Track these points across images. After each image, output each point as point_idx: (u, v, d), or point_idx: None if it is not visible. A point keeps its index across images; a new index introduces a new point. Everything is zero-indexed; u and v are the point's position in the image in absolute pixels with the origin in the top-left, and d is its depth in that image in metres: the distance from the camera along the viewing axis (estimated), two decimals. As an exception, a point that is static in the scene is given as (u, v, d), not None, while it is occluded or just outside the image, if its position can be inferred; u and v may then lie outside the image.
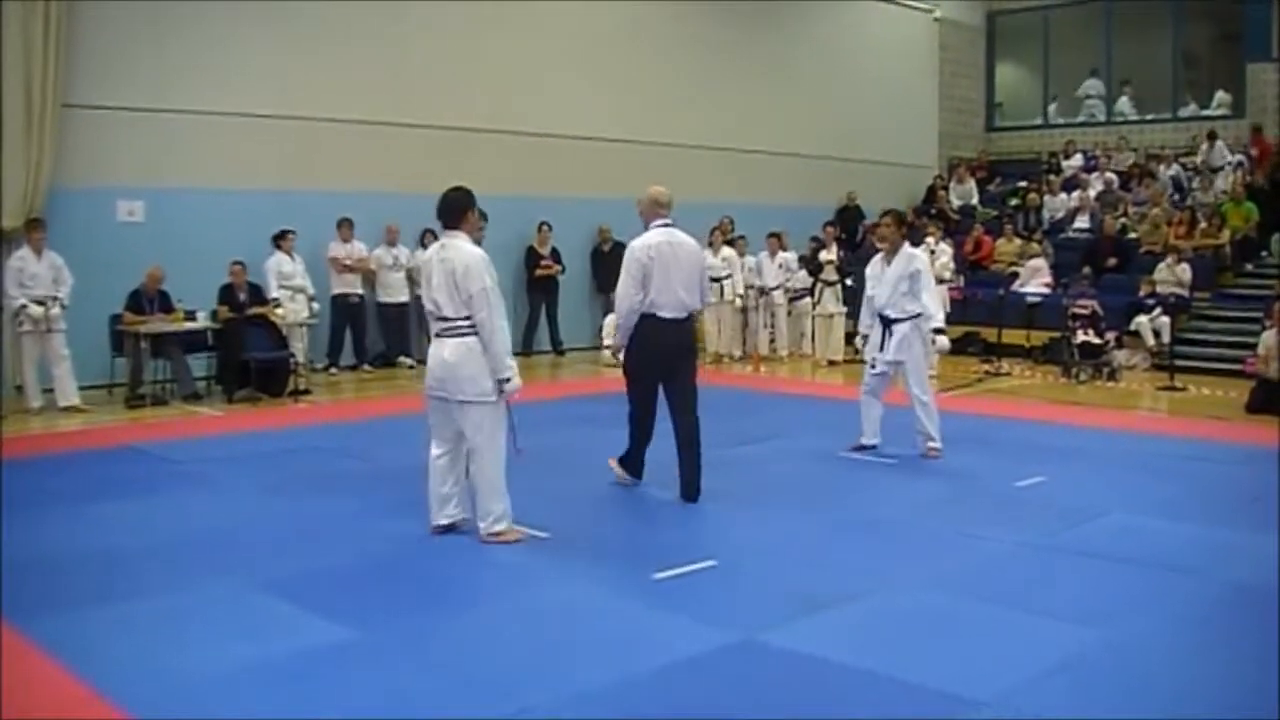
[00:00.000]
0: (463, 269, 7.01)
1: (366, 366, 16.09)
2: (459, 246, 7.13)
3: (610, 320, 17.32)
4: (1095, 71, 26.03)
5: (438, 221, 7.35)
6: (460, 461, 7.35)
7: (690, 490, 8.40)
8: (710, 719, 4.72)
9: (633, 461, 8.82)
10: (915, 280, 9.82)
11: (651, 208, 8.48)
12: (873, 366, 10.07)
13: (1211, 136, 22.09)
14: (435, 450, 7.37)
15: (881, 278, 9.98)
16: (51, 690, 4.98)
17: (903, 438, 10.02)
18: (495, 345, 7.08)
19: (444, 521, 7.37)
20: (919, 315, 9.83)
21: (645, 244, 8.29)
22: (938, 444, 9.93)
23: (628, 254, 8.35)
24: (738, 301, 17.83)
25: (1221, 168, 21.40)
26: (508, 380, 7.14)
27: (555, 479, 8.95)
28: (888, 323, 9.91)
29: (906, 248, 10.04)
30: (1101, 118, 25.96)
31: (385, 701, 4.82)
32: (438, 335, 7.23)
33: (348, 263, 15.69)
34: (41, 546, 7.16)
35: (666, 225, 8.43)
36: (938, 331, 9.96)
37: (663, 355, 8.41)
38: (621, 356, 8.60)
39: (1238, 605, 6.15)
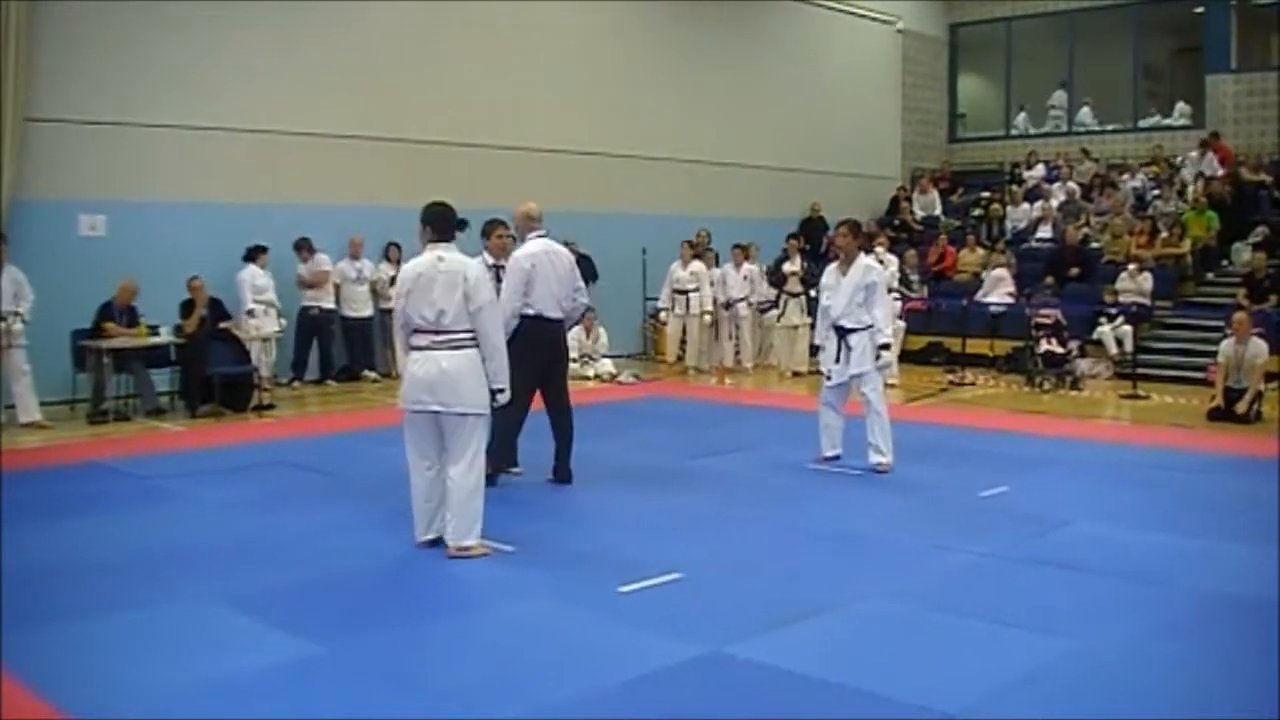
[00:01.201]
0: (474, 279, 7.09)
1: (331, 381, 16.01)
2: (460, 258, 7.19)
3: (574, 333, 17.35)
4: (1064, 84, 26.21)
5: (426, 229, 7.28)
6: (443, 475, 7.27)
7: (566, 474, 9.29)
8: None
9: (508, 451, 9.23)
10: (871, 291, 9.77)
11: (525, 222, 9.36)
12: (828, 378, 10.05)
13: (1203, 145, 22.07)
14: (421, 465, 7.27)
15: (837, 288, 9.93)
16: (11, 707, 4.92)
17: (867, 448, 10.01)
18: (501, 356, 7.21)
19: (431, 536, 7.30)
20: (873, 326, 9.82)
21: (527, 254, 9.10)
22: (888, 459, 9.78)
23: (511, 263, 9.10)
24: (706, 318, 17.82)
25: (1215, 175, 21.36)
26: (502, 390, 7.25)
27: (520, 491, 8.95)
28: (843, 333, 9.83)
29: (863, 258, 9.97)
30: (1064, 128, 26.14)
31: (347, 716, 4.80)
32: (427, 348, 7.10)
33: (311, 279, 15.62)
34: (4, 563, 7.08)
35: (542, 236, 9.29)
36: (883, 348, 9.84)
37: (545, 352, 9.12)
38: None
39: (1202, 614, 6.17)
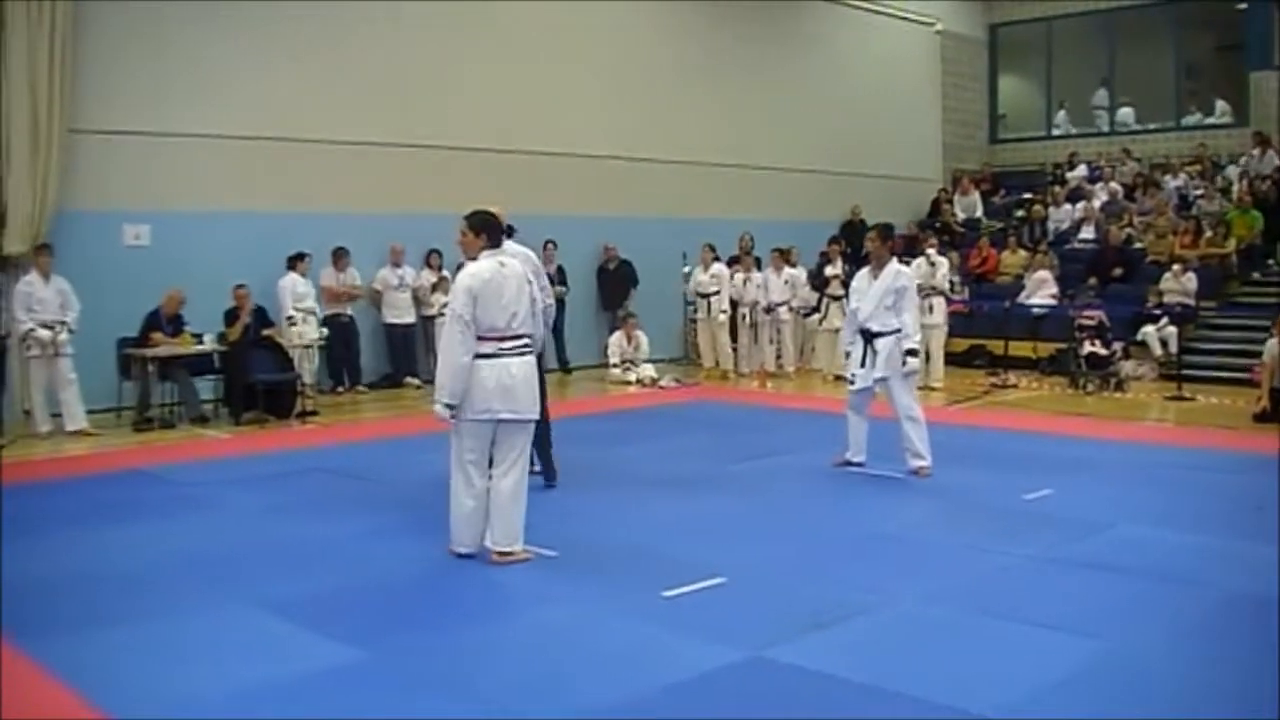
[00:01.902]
0: (533, 281, 7.29)
1: (361, 387, 16.03)
2: (517, 263, 7.27)
3: (615, 339, 17.39)
4: (1105, 82, 26.06)
5: (481, 236, 7.27)
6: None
7: (548, 473, 9.34)
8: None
9: None
10: (900, 296, 9.71)
11: None
12: (852, 383, 9.98)
13: (1264, 143, 21.70)
14: (474, 476, 7.18)
15: (866, 291, 9.88)
16: (57, 712, 4.99)
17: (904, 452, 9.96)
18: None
19: (470, 549, 7.25)
20: (900, 330, 9.75)
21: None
22: (927, 462, 9.71)
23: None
24: (721, 317, 17.77)
25: (1264, 175, 21.04)
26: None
27: (563, 497, 8.96)
28: (870, 337, 9.76)
29: (893, 263, 9.91)
30: (1106, 128, 25.98)
31: (389, 721, 4.84)
32: (494, 355, 7.03)
33: (339, 291, 15.71)
34: (49, 569, 7.19)
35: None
36: (910, 353, 9.71)
37: None
38: None
39: (1245, 616, 6.12)
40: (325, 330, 14.95)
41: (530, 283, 7.25)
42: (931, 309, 15.70)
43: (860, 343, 9.86)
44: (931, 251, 16.58)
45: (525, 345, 7.15)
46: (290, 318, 14.29)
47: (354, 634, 5.86)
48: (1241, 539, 7.63)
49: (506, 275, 7.11)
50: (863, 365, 9.83)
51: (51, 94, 13.23)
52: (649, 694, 5.08)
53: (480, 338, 7.02)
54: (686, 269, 18.41)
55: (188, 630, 6.02)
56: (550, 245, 17.13)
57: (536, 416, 7.22)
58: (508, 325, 7.05)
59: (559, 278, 17.36)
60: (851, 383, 9.96)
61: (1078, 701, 4.96)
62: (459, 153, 16.83)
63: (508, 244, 8.87)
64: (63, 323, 12.51)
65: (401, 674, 5.35)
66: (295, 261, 14.82)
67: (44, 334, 12.35)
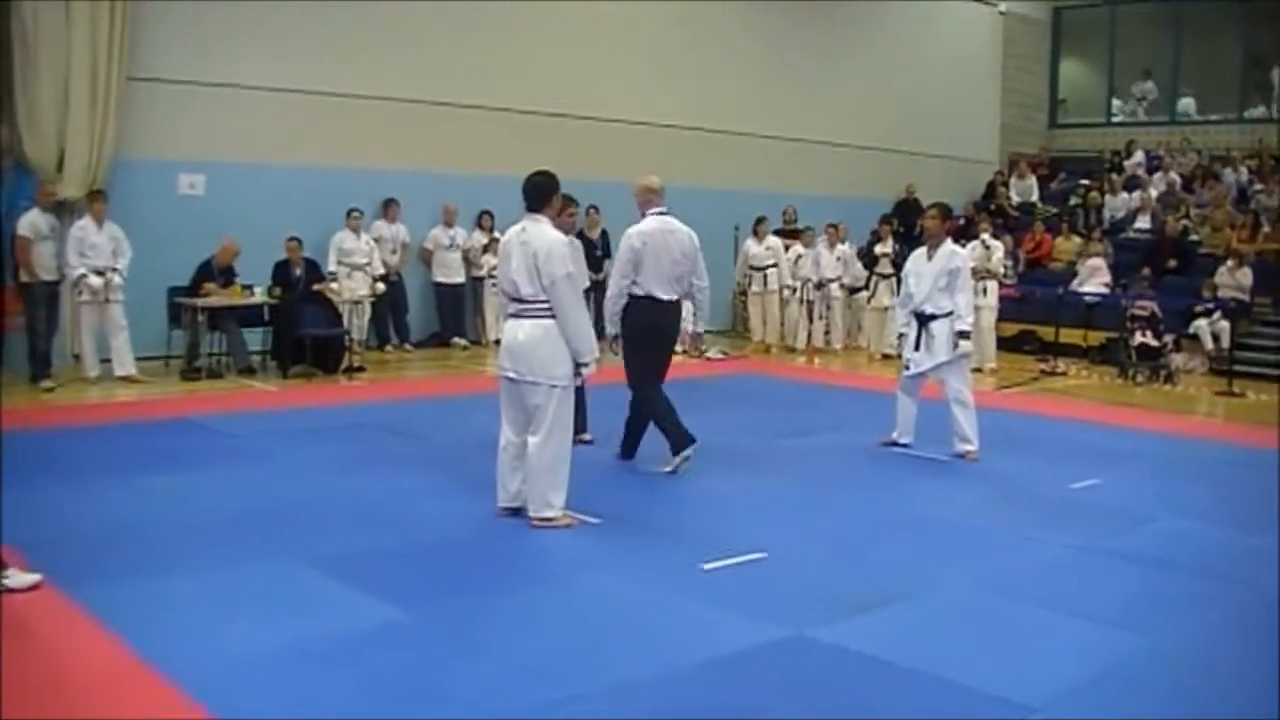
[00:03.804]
0: (545, 253, 7.03)
1: (408, 346, 16.07)
2: (542, 230, 7.17)
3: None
4: (1148, 73, 25.83)
5: (523, 203, 7.34)
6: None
7: (627, 451, 9.20)
8: (757, 716, 4.70)
9: (678, 434, 8.86)
10: (955, 277, 9.60)
11: (646, 195, 9.03)
12: (907, 367, 9.90)
13: None
14: (508, 432, 7.34)
15: (922, 273, 9.78)
16: (100, 657, 5.03)
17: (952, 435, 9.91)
18: (580, 331, 7.16)
19: (511, 504, 7.36)
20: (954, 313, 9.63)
21: (640, 231, 8.82)
22: (974, 447, 9.64)
23: (623, 240, 8.87)
24: (786, 293, 17.76)
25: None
26: (587, 364, 7.24)
27: (607, 464, 8.96)
28: (925, 320, 9.67)
29: (948, 244, 9.76)
30: (1147, 116, 25.71)
31: (429, 683, 4.83)
32: (513, 316, 7.22)
33: (391, 246, 15.80)
34: (95, 515, 7.24)
35: (661, 213, 8.95)
36: (962, 335, 9.60)
37: (657, 330, 8.89)
38: (618, 346, 9.00)
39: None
40: (382, 286, 15.01)
41: (536, 255, 7.00)
42: (985, 291, 15.63)
43: (915, 325, 9.79)
44: (986, 235, 16.48)
45: (535, 310, 7.11)
46: (332, 273, 14.36)
47: (397, 593, 5.87)
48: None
49: (521, 241, 7.15)
50: (917, 349, 9.76)
51: (111, 42, 13.26)
52: (688, 667, 5.07)
53: (511, 298, 7.24)
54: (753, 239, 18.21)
55: (232, 582, 6.04)
56: (593, 210, 17.00)
57: (547, 381, 7.08)
58: (514, 289, 7.15)
59: (602, 244, 17.16)
60: (907, 368, 9.87)
61: (1120, 695, 4.92)
62: (514, 115, 16.81)
63: (664, 220, 8.89)
64: (114, 269, 12.55)
65: (443, 637, 5.36)
66: (347, 217, 14.89)
67: (95, 280, 12.39)
